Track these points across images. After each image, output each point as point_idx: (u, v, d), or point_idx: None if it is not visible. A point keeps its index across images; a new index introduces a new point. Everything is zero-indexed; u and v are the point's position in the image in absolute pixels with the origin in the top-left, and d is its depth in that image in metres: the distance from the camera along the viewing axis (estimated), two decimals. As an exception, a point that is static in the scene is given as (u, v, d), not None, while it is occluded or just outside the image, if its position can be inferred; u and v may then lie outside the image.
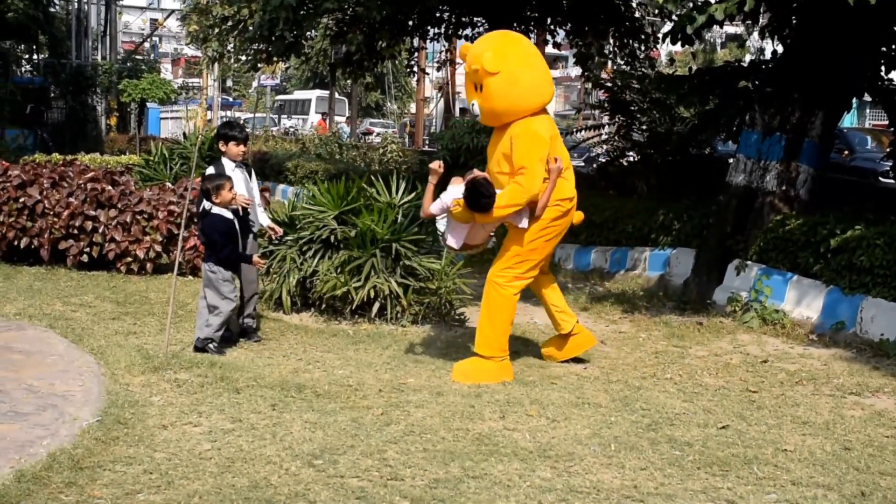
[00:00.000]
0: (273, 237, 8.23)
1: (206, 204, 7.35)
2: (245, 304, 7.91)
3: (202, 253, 10.41)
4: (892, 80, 11.03)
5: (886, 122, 11.84)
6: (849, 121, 31.44)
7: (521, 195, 6.59)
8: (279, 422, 5.66)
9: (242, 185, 7.74)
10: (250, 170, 8.08)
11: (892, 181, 12.63)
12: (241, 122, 11.42)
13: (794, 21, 10.36)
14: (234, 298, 7.42)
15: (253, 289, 7.95)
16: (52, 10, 33.41)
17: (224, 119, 44.62)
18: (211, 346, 7.28)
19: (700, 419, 5.97)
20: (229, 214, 7.37)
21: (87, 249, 10.56)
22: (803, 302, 8.78)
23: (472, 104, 6.83)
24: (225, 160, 7.77)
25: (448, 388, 6.55)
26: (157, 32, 57.92)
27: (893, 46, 10.62)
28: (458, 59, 22.47)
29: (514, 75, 6.63)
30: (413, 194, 9.17)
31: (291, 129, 39.17)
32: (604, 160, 16.10)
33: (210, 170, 7.72)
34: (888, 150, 12.03)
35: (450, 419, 5.83)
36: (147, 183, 12.54)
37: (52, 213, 10.47)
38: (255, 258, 7.56)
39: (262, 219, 8.00)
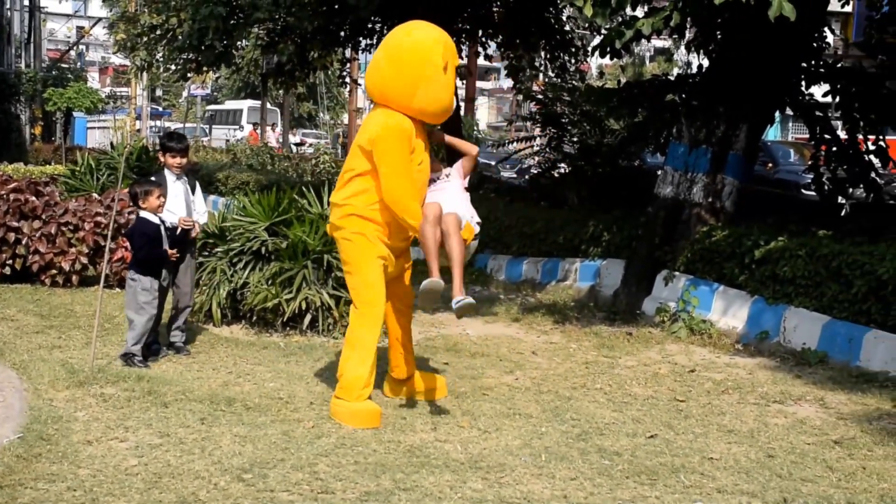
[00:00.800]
0: (183, 226, 7.69)
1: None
2: (176, 315, 7.80)
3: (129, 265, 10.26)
4: (812, 94, 11.35)
5: (808, 136, 12.15)
6: (772, 134, 32.20)
7: None
8: (208, 436, 5.59)
9: (182, 198, 7.65)
10: (194, 181, 7.96)
11: (813, 193, 12.95)
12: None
13: (719, 36, 10.60)
14: (151, 309, 7.30)
15: (186, 301, 7.84)
16: (-27, 16, 32.68)
17: (154, 129, 44.01)
18: (135, 360, 7.17)
19: (629, 429, 6.05)
20: (155, 219, 7.32)
21: (10, 262, 10.30)
22: (729, 312, 8.96)
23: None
24: (166, 171, 7.70)
25: (379, 400, 6.53)
26: (84, 40, 56.90)
27: (813, 62, 10.94)
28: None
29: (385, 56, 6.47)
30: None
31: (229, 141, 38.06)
32: (535, 172, 16.26)
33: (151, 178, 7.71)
34: (810, 162, 12.34)
35: (381, 431, 5.81)
36: (73, 194, 12.29)
37: (-27, 224, 10.20)
38: (170, 251, 7.39)
39: (198, 220, 7.86)
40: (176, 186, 7.65)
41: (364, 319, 6.10)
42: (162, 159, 7.75)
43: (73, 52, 48.31)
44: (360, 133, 6.24)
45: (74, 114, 32.76)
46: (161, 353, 7.60)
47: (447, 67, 6.16)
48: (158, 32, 16.72)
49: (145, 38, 17.36)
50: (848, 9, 11.15)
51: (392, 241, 6.20)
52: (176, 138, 7.93)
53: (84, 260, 10.35)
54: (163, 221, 7.38)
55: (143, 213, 7.29)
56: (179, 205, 7.64)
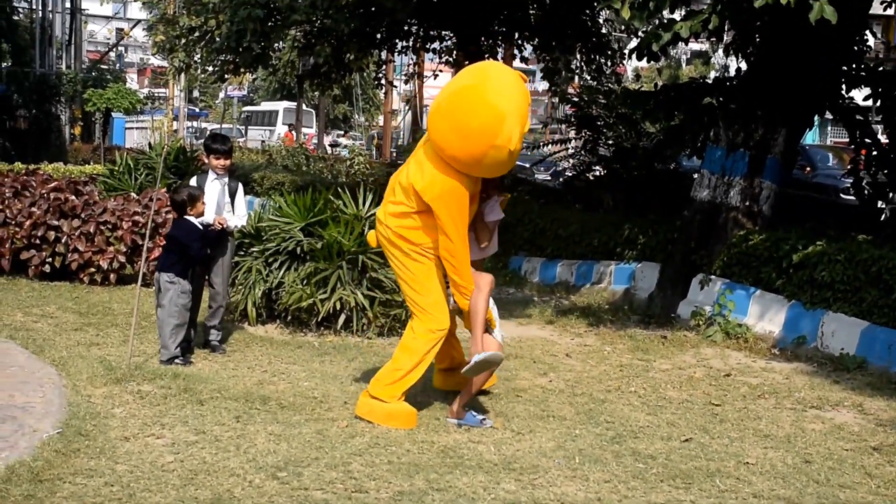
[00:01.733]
0: (220, 225, 7.73)
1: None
2: (212, 314, 7.86)
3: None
4: (852, 98, 11.22)
5: (847, 140, 12.02)
6: (811, 138, 31.87)
7: None
8: (243, 434, 5.63)
9: (215, 198, 7.74)
10: (237, 184, 8.02)
11: (852, 198, 12.80)
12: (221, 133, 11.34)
13: (758, 39, 10.51)
14: (188, 311, 7.37)
15: (220, 300, 7.90)
16: (15, 18, 33.12)
17: (191, 129, 44.40)
18: (177, 360, 7.26)
19: (664, 432, 6.01)
20: (198, 223, 7.45)
21: (50, 260, 10.44)
22: (766, 316, 8.87)
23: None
24: (210, 172, 7.82)
25: (412, 401, 6.53)
26: (123, 42, 57.54)
27: (853, 65, 10.82)
28: (426, 73, 22.53)
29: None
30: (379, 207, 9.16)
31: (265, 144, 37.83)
32: (570, 174, 16.23)
33: (192, 181, 7.81)
34: (849, 167, 12.20)
35: (415, 431, 5.82)
36: (111, 193, 12.43)
37: (13, 222, 10.34)
38: (217, 218, 7.54)
39: (232, 221, 7.92)
40: (213, 186, 7.74)
41: (428, 333, 6.01)
42: (205, 160, 7.84)
43: (112, 54, 48.83)
44: (416, 174, 5.89)
45: (113, 114, 33.12)
46: (192, 351, 7.68)
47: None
48: (197, 34, 16.89)
49: (184, 40, 17.54)
50: (890, 12, 11.00)
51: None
52: (220, 140, 8.01)
53: (122, 258, 10.46)
54: (202, 224, 7.49)
55: (188, 217, 7.42)
56: (212, 204, 7.72)
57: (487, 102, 5.62)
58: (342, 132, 52.76)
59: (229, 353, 7.80)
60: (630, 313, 10.19)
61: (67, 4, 33.94)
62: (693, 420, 6.32)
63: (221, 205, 7.80)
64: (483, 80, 5.80)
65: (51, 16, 33.20)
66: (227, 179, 7.87)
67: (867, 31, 11.44)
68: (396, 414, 5.96)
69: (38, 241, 10.38)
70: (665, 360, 8.14)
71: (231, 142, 8.28)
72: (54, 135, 30.65)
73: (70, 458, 5.05)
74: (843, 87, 10.91)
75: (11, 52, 32.76)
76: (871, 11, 10.48)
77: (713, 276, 9.66)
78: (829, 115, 11.78)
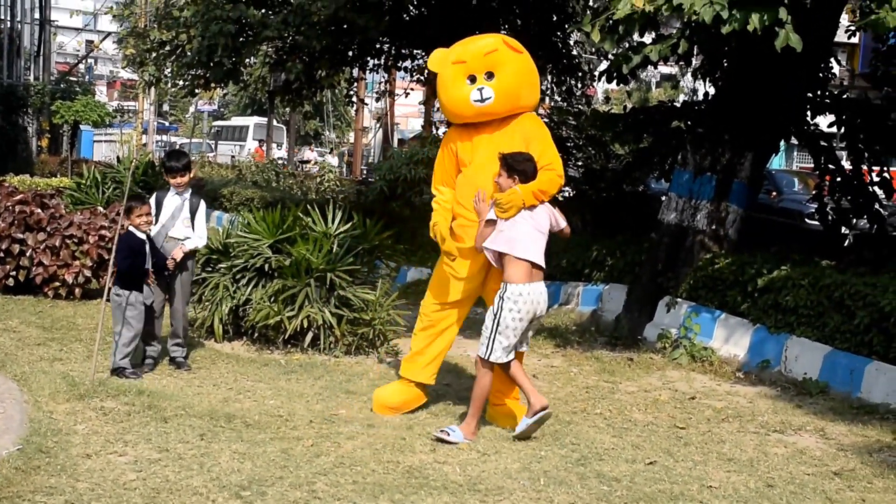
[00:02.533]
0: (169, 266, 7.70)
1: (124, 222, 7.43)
2: (173, 333, 7.80)
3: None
4: (817, 124, 11.38)
5: (812, 166, 12.18)
6: (777, 163, 32.20)
7: (556, 184, 6.52)
8: (207, 452, 5.58)
9: (171, 213, 7.71)
10: (198, 200, 7.97)
11: (817, 223, 12.96)
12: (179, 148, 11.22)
13: (725, 64, 10.65)
14: (137, 324, 7.32)
15: (179, 320, 7.81)
16: (-17, 28, 32.81)
17: (160, 143, 44.13)
18: (126, 372, 7.22)
19: (628, 455, 6.03)
20: (141, 235, 7.41)
21: (14, 273, 10.31)
22: (731, 340, 8.95)
23: (480, 90, 6.36)
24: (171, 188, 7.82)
25: (379, 420, 6.53)
26: (93, 54, 57.19)
27: (819, 92, 10.98)
28: (397, 91, 22.58)
29: (530, 61, 6.72)
30: (349, 224, 9.16)
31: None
32: (539, 195, 16.26)
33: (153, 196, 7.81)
34: (814, 192, 12.36)
35: (380, 451, 5.81)
36: (78, 206, 12.33)
37: (-23, 234, 10.23)
38: (151, 274, 7.42)
39: (191, 243, 7.82)
40: (173, 201, 7.71)
41: None
42: (166, 177, 7.82)
43: (81, 66, 48.53)
44: None
45: (81, 127, 32.87)
46: (152, 365, 7.65)
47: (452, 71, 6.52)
48: (168, 48, 16.82)
49: (154, 54, 17.46)
50: (854, 40, 11.21)
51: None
52: (175, 157, 7.99)
53: (87, 273, 10.36)
54: (149, 237, 7.45)
55: (130, 228, 7.39)
56: (170, 220, 7.70)
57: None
58: (310, 147, 52.67)
59: (195, 369, 7.74)
60: (597, 335, 10.24)
61: (37, 15, 33.68)
62: (657, 443, 6.35)
63: (180, 221, 7.76)
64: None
65: (19, 26, 32.93)
66: (188, 195, 7.84)
67: (832, 59, 11.64)
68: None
69: (2, 255, 10.26)
70: (631, 383, 8.18)
71: (188, 158, 8.25)
72: (21, 146, 30.33)
73: (30, 475, 4.98)
74: (809, 113, 11.07)
75: (-21, 62, 32.44)
76: (835, 39, 10.67)
77: (679, 299, 9.73)
78: (794, 141, 11.94)
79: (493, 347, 6.08)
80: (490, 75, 6.43)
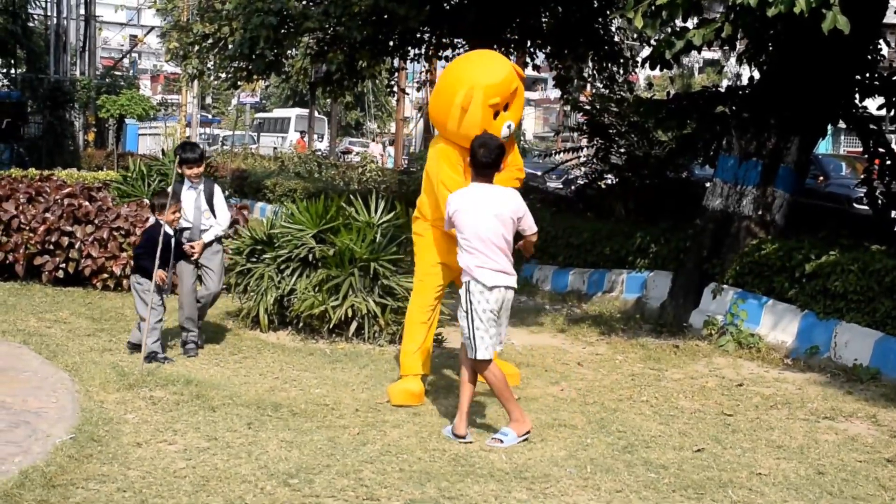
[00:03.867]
0: (189, 252, 7.85)
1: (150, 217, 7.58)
2: (185, 318, 7.91)
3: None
4: (865, 107, 11.19)
5: (860, 149, 11.98)
6: (824, 147, 31.78)
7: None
8: (255, 440, 5.64)
9: (191, 205, 7.84)
10: (211, 185, 8.07)
11: (865, 207, 12.76)
12: (197, 141, 11.35)
13: (771, 48, 10.50)
14: (161, 308, 7.54)
15: (205, 304, 8.01)
16: (30, 24, 33.29)
17: (203, 136, 44.52)
18: (158, 357, 7.43)
19: (676, 442, 5.99)
20: (169, 230, 7.52)
21: (63, 265, 10.48)
22: (778, 326, 8.84)
23: (509, 126, 6.60)
24: (185, 180, 7.92)
25: (425, 409, 6.55)
26: (137, 49, 57.79)
27: (867, 74, 10.79)
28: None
29: None
30: (392, 213, 9.18)
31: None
32: (582, 182, 16.20)
33: (170, 189, 7.82)
34: (862, 176, 12.17)
35: (426, 439, 5.82)
36: (124, 199, 12.48)
37: (28, 228, 10.40)
38: (161, 272, 7.35)
39: (206, 236, 7.94)
40: (188, 195, 7.85)
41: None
42: (179, 169, 7.84)
43: (126, 60, 49.06)
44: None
45: (126, 121, 33.21)
46: (194, 349, 7.86)
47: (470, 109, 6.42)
48: (210, 41, 16.94)
49: (197, 47, 17.59)
50: (903, 20, 10.98)
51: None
52: (189, 148, 8.08)
53: (135, 264, 10.49)
54: (175, 233, 7.61)
55: (160, 220, 7.49)
56: (189, 212, 7.84)
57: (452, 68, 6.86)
58: (375, 139, 52.63)
59: (241, 359, 7.82)
60: (642, 322, 10.17)
61: (82, 11, 34.08)
62: (705, 430, 6.29)
63: (199, 211, 7.88)
64: (461, 58, 6.94)
65: (65, 22, 33.33)
66: (202, 186, 7.94)
67: (881, 40, 11.42)
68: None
69: (51, 247, 10.43)
70: (677, 370, 8.12)
71: (202, 149, 8.38)
72: (68, 141, 30.78)
73: (83, 463, 5.06)
74: (857, 96, 10.89)
75: (26, 58, 32.91)
76: (884, 20, 10.47)
77: (725, 286, 9.64)
78: (842, 125, 11.75)
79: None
80: (507, 107, 6.68)
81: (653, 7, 8.08)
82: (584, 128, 15.16)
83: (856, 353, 7.94)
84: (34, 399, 6.19)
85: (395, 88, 23.89)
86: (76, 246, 10.47)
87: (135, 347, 7.58)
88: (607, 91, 16.89)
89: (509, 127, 6.62)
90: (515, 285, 6.04)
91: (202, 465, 5.16)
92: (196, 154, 7.96)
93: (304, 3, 15.42)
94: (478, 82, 6.47)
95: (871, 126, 11.19)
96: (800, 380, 7.79)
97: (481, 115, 6.47)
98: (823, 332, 8.36)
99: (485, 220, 5.88)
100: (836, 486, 5.23)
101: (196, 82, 26.02)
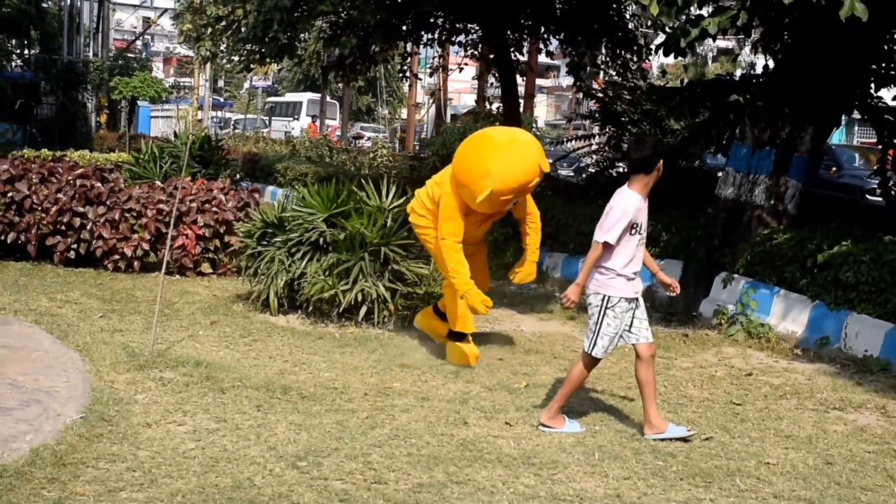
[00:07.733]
0: None
1: None
2: None
3: (189, 252, 10.42)
4: (881, 97, 11.12)
5: (874, 140, 11.92)
6: (837, 137, 31.60)
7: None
8: (264, 423, 5.66)
9: None
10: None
11: (878, 199, 12.70)
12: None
13: (786, 37, 10.43)
14: None
15: None
16: (44, 5, 33.28)
17: (215, 119, 44.50)
18: None
19: (684, 430, 5.98)
20: None
21: (75, 246, 10.53)
22: (789, 316, 8.82)
23: (514, 203, 7.39)
24: None
25: (433, 394, 6.56)
26: (150, 31, 57.82)
27: (883, 64, 10.72)
28: (451, 66, 22.50)
29: None
30: (403, 199, 9.17)
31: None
32: (594, 170, 16.16)
33: None
34: (876, 167, 12.10)
35: (435, 424, 5.83)
36: (136, 181, 12.51)
37: (40, 208, 10.44)
38: None
39: None
40: None
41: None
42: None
43: (139, 42, 49.08)
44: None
45: (139, 103, 33.26)
46: None
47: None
48: (223, 23, 16.92)
49: (210, 29, 17.58)
50: (921, 10, 10.88)
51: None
52: None
53: (146, 246, 10.53)
54: None
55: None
56: None
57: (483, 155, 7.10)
58: (372, 124, 52.44)
59: (251, 342, 7.83)
60: (652, 311, 10.08)
61: (96, -8, 34.11)
62: (713, 419, 6.29)
63: None
64: (495, 143, 7.18)
65: (79, 3, 33.35)
66: None
67: (897, 30, 11.33)
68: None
69: (63, 228, 10.48)
70: (686, 359, 8.11)
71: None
72: (80, 122, 30.82)
73: (93, 442, 5.09)
74: (872, 86, 10.81)
75: (39, 39, 32.94)
76: (902, 10, 10.38)
77: (736, 275, 9.61)
78: (856, 115, 11.69)
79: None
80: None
81: (668, -6, 8.04)
82: (597, 115, 15.11)
83: (866, 344, 7.92)
84: (45, 378, 6.22)
85: (408, 74, 23.79)
86: (88, 227, 10.50)
87: None
88: (620, 78, 16.84)
89: (514, 203, 7.37)
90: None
91: (211, 447, 5.19)
92: None
93: (318, -14, 15.38)
94: (503, 186, 6.99)
95: (886, 117, 11.11)
96: (809, 370, 7.77)
97: (499, 203, 7.18)
98: (834, 323, 8.34)
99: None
100: (844, 477, 5.22)
101: (208, 65, 25.96)
